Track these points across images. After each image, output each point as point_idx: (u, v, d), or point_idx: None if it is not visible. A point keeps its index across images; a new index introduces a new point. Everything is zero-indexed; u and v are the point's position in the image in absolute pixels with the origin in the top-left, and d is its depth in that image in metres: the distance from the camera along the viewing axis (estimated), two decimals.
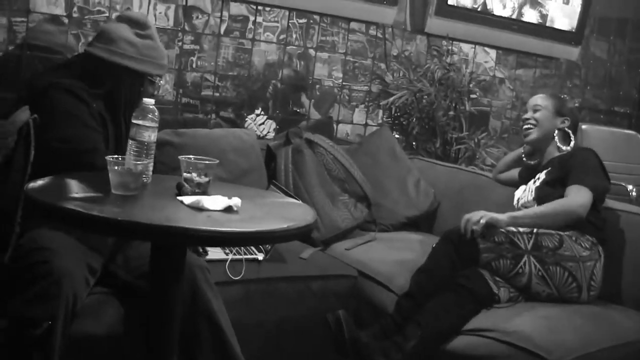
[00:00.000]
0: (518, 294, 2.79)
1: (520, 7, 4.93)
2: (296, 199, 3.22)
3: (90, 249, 2.39)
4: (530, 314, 2.66)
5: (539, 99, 3.32)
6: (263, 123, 4.29)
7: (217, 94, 4.08)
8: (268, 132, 4.31)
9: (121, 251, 2.53)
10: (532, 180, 3.20)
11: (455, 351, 2.62)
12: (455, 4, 4.69)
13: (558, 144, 3.23)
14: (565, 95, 5.46)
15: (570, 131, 3.25)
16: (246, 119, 4.22)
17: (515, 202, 3.26)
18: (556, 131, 3.24)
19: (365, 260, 3.24)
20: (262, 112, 4.28)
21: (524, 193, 3.21)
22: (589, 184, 2.92)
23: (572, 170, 3.01)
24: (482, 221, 2.78)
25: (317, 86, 4.46)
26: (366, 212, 3.64)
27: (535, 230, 2.83)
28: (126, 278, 2.47)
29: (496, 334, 2.56)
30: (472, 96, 4.53)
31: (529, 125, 3.28)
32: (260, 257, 2.96)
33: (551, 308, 2.73)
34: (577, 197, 2.89)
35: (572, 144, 3.22)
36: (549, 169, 3.15)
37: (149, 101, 2.27)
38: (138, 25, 2.64)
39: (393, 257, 3.27)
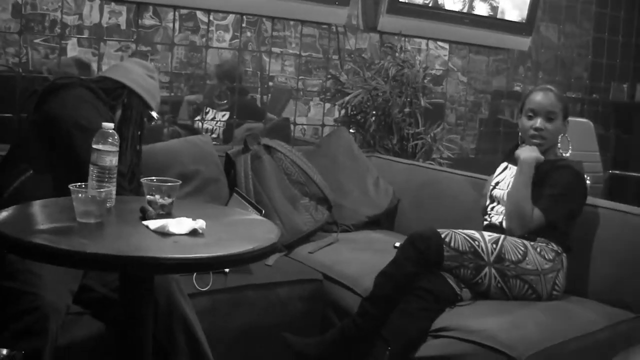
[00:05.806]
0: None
1: (471, 0, 4.98)
2: (258, 207, 3.26)
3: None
4: (493, 311, 2.71)
5: (553, 104, 3.06)
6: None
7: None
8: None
9: None
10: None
11: (424, 356, 2.64)
12: (407, 1, 4.71)
13: (559, 149, 3.11)
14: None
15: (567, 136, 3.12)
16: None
17: (492, 183, 3.18)
18: (560, 137, 3.09)
19: (330, 263, 3.26)
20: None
21: (504, 181, 3.13)
22: (549, 214, 2.90)
23: (545, 190, 2.96)
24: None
25: (271, 83, 4.49)
26: (327, 214, 3.66)
27: (501, 240, 2.84)
28: (102, 291, 2.48)
29: (461, 333, 2.58)
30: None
31: (539, 141, 3.05)
32: None
33: (513, 305, 2.77)
34: (532, 220, 2.90)
35: (569, 152, 3.11)
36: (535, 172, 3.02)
37: (108, 125, 2.26)
38: (148, 69, 3.06)
39: (357, 258, 3.29)
